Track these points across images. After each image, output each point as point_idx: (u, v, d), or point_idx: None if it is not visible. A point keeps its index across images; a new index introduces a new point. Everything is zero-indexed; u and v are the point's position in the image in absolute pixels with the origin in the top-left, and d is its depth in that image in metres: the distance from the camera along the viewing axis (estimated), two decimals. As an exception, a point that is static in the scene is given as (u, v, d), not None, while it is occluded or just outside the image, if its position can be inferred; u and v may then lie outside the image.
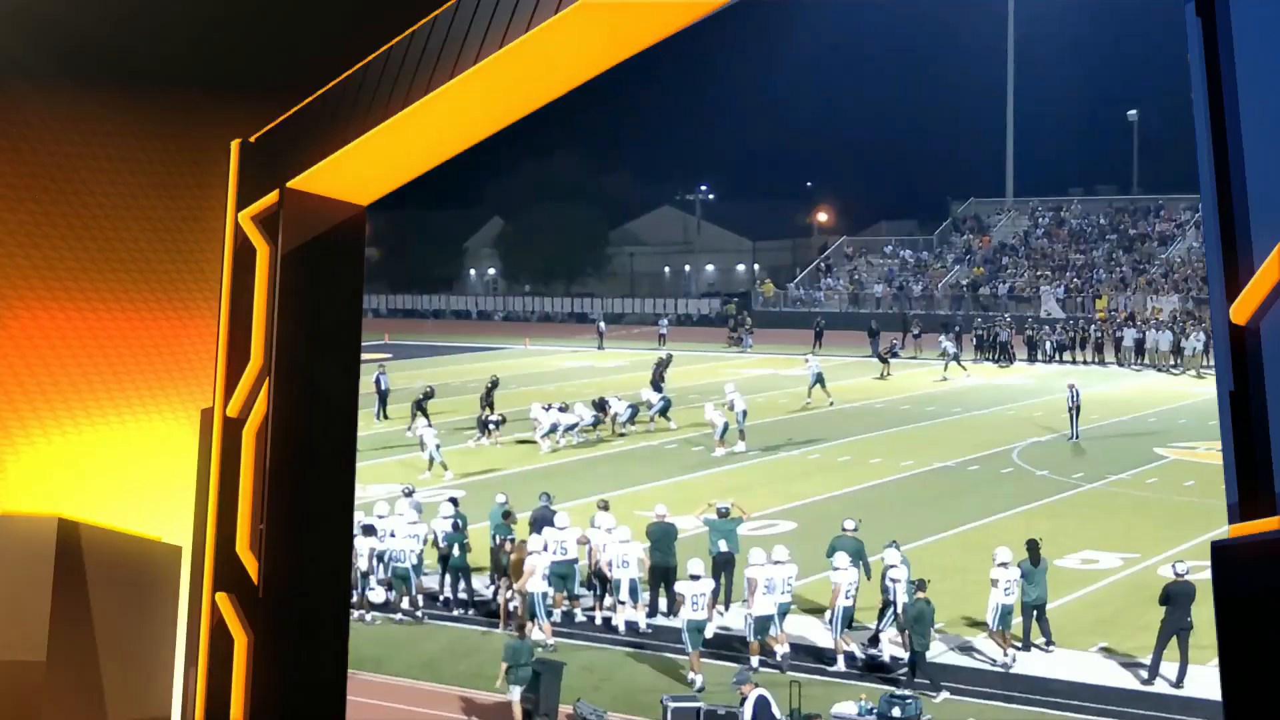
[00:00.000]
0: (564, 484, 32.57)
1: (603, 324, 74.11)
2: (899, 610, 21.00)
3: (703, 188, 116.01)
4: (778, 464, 37.44)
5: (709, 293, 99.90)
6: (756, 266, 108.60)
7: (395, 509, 25.09)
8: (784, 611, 21.24)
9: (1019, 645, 21.46)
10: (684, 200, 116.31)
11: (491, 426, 40.73)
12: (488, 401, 42.84)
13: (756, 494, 32.97)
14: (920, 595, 20.45)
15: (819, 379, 46.96)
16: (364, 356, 47.36)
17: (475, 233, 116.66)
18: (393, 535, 23.79)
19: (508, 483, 34.08)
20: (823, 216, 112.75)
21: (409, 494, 25.93)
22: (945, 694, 19.79)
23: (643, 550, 22.81)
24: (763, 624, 20.75)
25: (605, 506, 24.66)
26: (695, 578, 20.81)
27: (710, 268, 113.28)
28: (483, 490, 31.83)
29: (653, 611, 22.77)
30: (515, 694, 18.76)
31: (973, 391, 51.71)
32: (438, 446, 36.02)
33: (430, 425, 38.87)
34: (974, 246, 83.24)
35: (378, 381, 45.81)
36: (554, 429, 39.48)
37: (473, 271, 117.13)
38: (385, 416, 44.98)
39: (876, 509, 30.56)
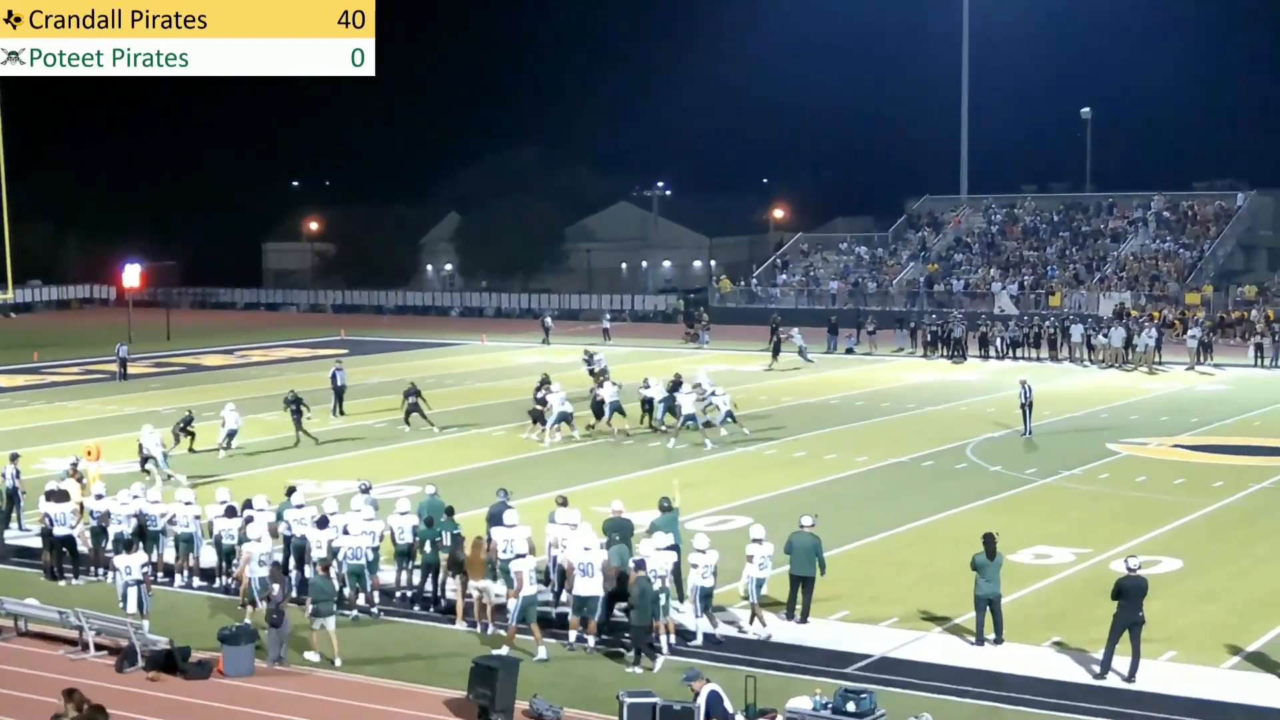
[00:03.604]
0: (522, 479, 32.55)
1: (549, 319, 73.99)
2: (691, 592, 22.03)
3: (660, 184, 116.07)
4: (734, 459, 37.51)
5: (666, 289, 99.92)
6: (713, 262, 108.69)
7: (350, 505, 25.04)
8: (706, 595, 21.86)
9: (768, 620, 22.27)
10: (641, 196, 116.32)
11: (540, 402, 40.66)
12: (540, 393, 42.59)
13: (713, 489, 33.07)
14: (640, 573, 21.02)
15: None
16: (320, 352, 47.39)
17: (432, 228, 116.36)
18: (346, 532, 23.72)
19: (468, 477, 34.11)
20: (779, 213, 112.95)
21: (365, 490, 25.88)
22: (662, 660, 20.62)
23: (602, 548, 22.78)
24: (578, 604, 21.69)
25: (564, 502, 24.66)
26: (521, 556, 21.82)
27: (667, 264, 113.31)
28: (449, 484, 31.70)
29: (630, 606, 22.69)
30: (317, 624, 21.13)
31: (926, 388, 51.97)
32: (230, 434, 37.48)
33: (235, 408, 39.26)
34: (929, 243, 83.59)
35: (334, 377, 45.68)
36: (563, 418, 39.48)
37: (430, 267, 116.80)
38: (341, 413, 44.80)
39: (832, 504, 30.72)
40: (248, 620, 22.57)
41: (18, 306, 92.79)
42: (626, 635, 21.30)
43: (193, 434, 38.57)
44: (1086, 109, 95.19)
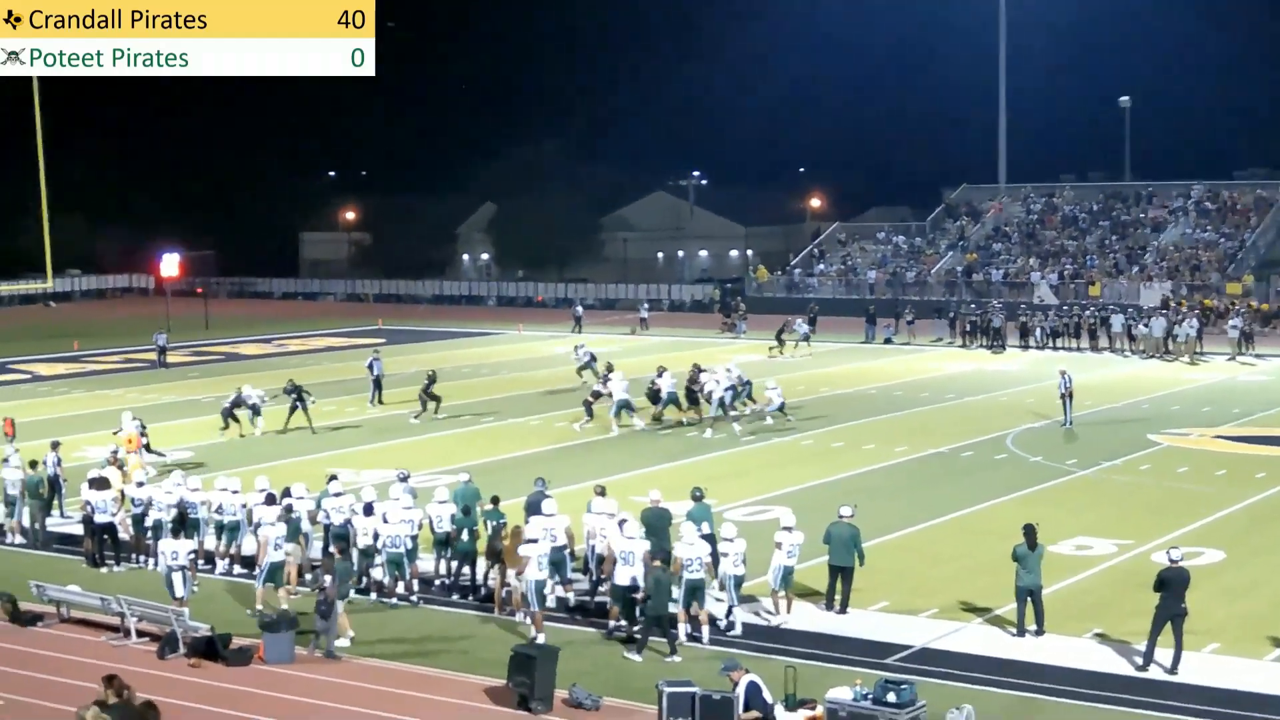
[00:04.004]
0: (559, 469, 32.59)
1: (579, 308, 74.02)
2: (724, 580, 21.94)
3: (695, 173, 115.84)
4: (770, 449, 37.42)
5: (702, 278, 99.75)
6: (750, 252, 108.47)
7: (389, 493, 25.08)
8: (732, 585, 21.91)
9: (838, 609, 22.56)
10: (677, 186, 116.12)
11: (592, 398, 40.60)
12: (605, 376, 42.33)
13: (750, 480, 33.01)
14: (657, 563, 21.15)
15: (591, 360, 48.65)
16: (357, 341, 47.53)
17: (468, 218, 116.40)
18: (385, 520, 23.76)
19: (505, 467, 34.15)
20: (815, 202, 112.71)
21: (404, 479, 25.91)
22: (678, 658, 20.60)
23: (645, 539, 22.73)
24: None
25: (602, 492, 24.61)
26: (533, 540, 21.91)
27: (703, 253, 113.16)
28: (487, 473, 31.70)
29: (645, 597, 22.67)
30: (339, 607, 21.27)
31: (966, 378, 51.74)
32: (255, 409, 39.04)
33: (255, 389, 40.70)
34: (967, 232, 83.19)
35: (371, 367, 45.77)
36: (623, 406, 39.46)
37: (465, 257, 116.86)
38: (380, 402, 44.92)
39: (870, 495, 30.46)
40: (259, 605, 22.86)
41: (56, 296, 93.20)
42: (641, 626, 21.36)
43: (238, 419, 38.93)
44: (1125, 98, 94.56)
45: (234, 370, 56.22)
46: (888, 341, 63.55)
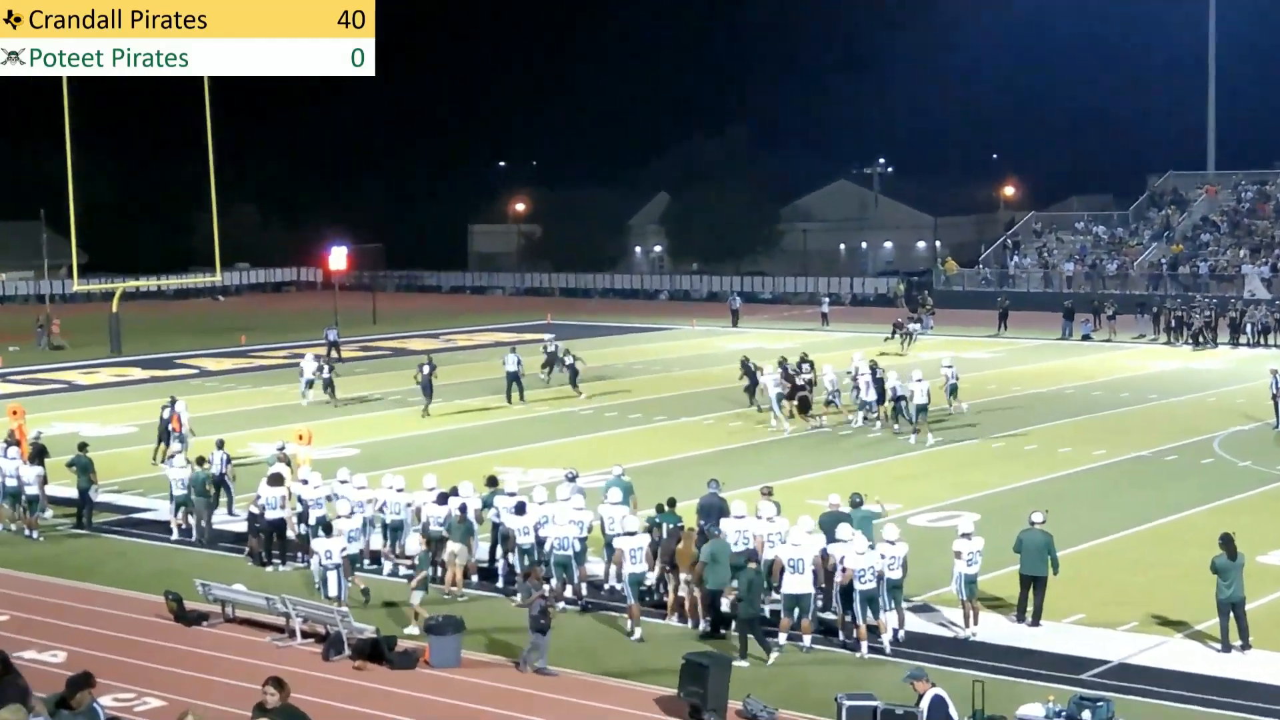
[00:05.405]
0: (734, 470, 31.81)
1: (737, 301, 73.03)
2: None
3: (880, 161, 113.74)
4: (959, 451, 36.15)
5: (886, 271, 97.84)
6: (938, 244, 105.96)
7: (557, 494, 24.36)
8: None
9: (1029, 621, 21.49)
10: (861, 174, 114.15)
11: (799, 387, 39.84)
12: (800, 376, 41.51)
13: (935, 483, 32.01)
14: (752, 565, 20.87)
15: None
16: (525, 336, 47.25)
17: (641, 209, 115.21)
18: (554, 521, 23.04)
19: (675, 467, 33.47)
20: (1009, 190, 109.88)
21: (572, 478, 25.22)
22: (776, 654, 20.33)
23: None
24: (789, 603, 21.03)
25: (769, 492, 23.85)
26: (631, 534, 22.14)
27: (888, 245, 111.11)
28: (658, 474, 31.09)
29: (826, 604, 21.67)
30: (416, 598, 21.69)
31: (1170, 377, 49.78)
32: (309, 382, 42.23)
33: (317, 359, 44.12)
34: (1173, 222, 79.92)
35: (505, 362, 44.66)
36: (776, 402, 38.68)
37: (638, 249, 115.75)
38: (522, 400, 43.92)
39: (1066, 500, 29.48)
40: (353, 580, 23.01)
41: (224, 289, 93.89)
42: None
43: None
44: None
45: (401, 365, 55.33)
46: (1086, 338, 61.49)
